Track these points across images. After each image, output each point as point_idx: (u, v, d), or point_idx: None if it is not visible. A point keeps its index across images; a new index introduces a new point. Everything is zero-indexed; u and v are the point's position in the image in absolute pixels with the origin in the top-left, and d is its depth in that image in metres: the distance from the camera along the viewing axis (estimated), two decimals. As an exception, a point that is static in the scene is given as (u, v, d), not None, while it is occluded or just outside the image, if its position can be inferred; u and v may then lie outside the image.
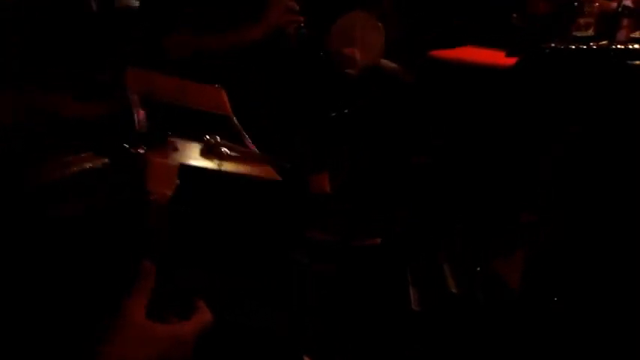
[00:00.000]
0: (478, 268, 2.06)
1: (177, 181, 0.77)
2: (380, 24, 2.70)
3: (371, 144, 2.66)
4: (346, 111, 2.66)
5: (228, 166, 0.85)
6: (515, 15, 2.99)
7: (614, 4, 2.22)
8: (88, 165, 0.74)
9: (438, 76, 3.01)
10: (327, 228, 2.24)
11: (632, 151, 1.63)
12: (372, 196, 2.52)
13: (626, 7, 1.96)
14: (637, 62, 1.65)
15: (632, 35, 1.95)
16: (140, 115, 0.90)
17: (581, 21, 2.01)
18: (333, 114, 2.60)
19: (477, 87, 2.81)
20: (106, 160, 0.75)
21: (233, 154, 0.87)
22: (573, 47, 1.92)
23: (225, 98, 1.18)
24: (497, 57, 2.85)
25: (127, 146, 0.76)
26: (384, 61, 2.82)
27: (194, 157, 0.84)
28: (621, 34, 1.97)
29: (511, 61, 2.64)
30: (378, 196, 2.53)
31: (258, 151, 0.96)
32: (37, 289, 0.68)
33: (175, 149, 0.82)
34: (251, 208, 0.98)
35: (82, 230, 0.71)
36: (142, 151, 0.77)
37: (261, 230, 1.14)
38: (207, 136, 0.87)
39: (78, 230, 0.71)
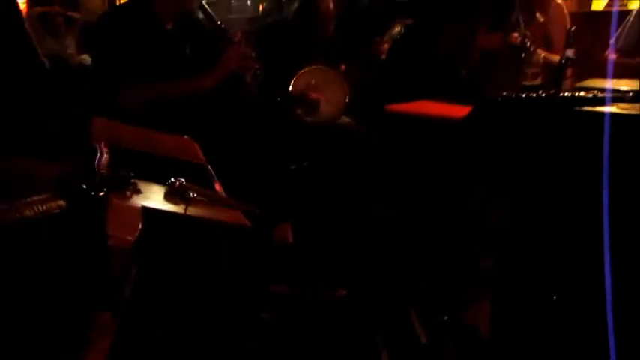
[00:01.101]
0: (445, 317, 2.04)
1: (141, 226, 0.72)
2: (343, 79, 2.77)
3: (330, 196, 2.65)
4: (306, 164, 2.67)
5: (194, 211, 0.81)
6: (463, 70, 3.13)
7: (557, 56, 2.36)
8: (43, 208, 0.69)
9: (395, 129, 3.09)
10: (291, 280, 2.18)
11: (582, 192, 1.68)
12: (335, 246, 2.49)
13: (568, 59, 2.08)
14: (583, 108, 1.72)
15: (577, 84, 2.06)
16: (103, 158, 0.86)
17: (529, 71, 2.11)
18: (293, 166, 2.60)
19: (432, 138, 2.88)
20: (63, 203, 0.70)
21: (200, 198, 0.83)
22: (524, 95, 1.99)
23: (198, 149, 1.16)
24: (451, 109, 2.95)
25: (85, 188, 0.71)
26: (343, 117, 2.87)
27: (158, 200, 0.80)
28: (567, 83, 2.07)
29: (464, 111, 2.73)
30: (341, 246, 2.51)
31: (227, 196, 0.93)
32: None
33: (138, 192, 0.78)
34: (218, 256, 0.93)
35: (38, 277, 0.66)
36: (102, 193, 0.73)
37: (226, 283, 1.09)
38: (173, 179, 0.83)
39: (34, 277, 0.65)
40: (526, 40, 2.48)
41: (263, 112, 2.48)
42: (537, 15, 2.66)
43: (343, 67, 3.14)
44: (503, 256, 1.90)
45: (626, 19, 2.64)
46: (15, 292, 0.65)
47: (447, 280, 2.26)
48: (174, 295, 0.87)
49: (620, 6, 3.04)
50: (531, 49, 2.42)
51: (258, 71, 2.08)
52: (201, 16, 2.13)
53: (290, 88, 2.69)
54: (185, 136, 1.16)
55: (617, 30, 2.68)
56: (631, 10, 2.69)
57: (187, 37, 2.11)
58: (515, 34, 2.57)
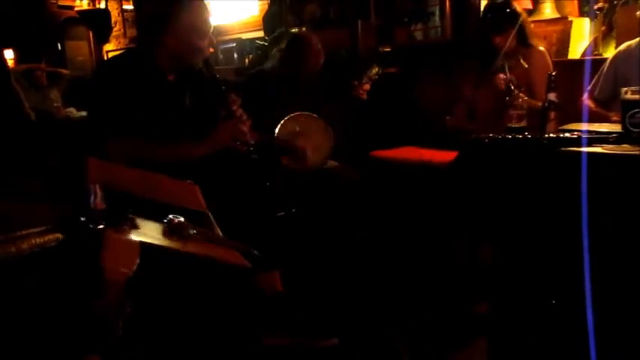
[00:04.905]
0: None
1: (138, 260, 0.70)
2: (327, 125, 2.80)
3: (319, 241, 2.64)
4: (294, 210, 2.65)
5: (192, 248, 0.78)
6: (448, 117, 3.20)
7: (539, 102, 2.42)
8: (39, 241, 0.67)
9: (380, 174, 3.13)
10: (282, 329, 2.12)
11: (571, 229, 1.68)
12: (325, 293, 2.45)
13: (551, 102, 2.12)
14: (568, 149, 1.75)
15: (561, 127, 2.09)
16: (98, 196, 0.84)
17: (514, 114, 2.15)
18: (281, 213, 2.58)
19: (416, 181, 2.93)
20: (60, 236, 0.68)
21: (198, 236, 0.81)
22: (510, 137, 2.03)
23: (199, 194, 1.13)
24: (434, 155, 3.01)
25: (84, 221, 0.69)
26: (330, 161, 2.90)
27: (156, 237, 0.77)
28: (550, 126, 2.11)
29: (444, 156, 2.78)
30: (332, 293, 2.47)
31: (226, 237, 0.90)
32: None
33: (136, 227, 0.76)
34: (215, 295, 0.90)
35: (32, 312, 0.63)
36: (100, 226, 0.71)
37: (222, 324, 1.05)
38: (171, 216, 0.81)
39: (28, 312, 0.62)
40: (510, 84, 2.54)
41: (250, 161, 2.48)
42: (521, 61, 2.73)
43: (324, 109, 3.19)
44: (497, 297, 1.88)
45: (601, 68, 2.71)
46: (9, 327, 0.62)
47: (439, 322, 2.23)
48: (167, 335, 0.84)
49: (595, 54, 3.15)
50: (515, 92, 2.47)
51: (251, 148, 2.04)
52: (203, 68, 2.12)
53: (275, 137, 2.72)
54: (188, 181, 1.13)
55: (592, 78, 2.74)
56: (606, 59, 2.76)
57: (188, 87, 2.09)
58: (502, 75, 2.62)
